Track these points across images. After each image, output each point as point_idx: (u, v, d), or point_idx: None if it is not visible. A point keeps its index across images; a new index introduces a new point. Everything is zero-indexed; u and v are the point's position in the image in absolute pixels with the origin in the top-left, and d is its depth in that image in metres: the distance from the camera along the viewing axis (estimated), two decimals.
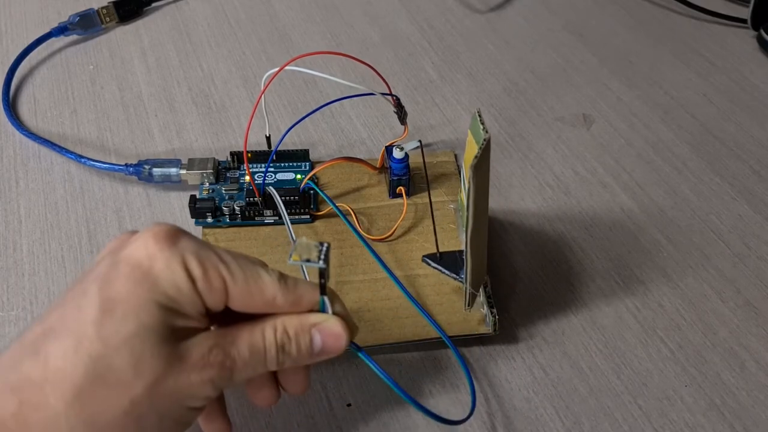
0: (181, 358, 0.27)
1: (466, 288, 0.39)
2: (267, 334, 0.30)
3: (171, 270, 0.28)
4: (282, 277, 0.30)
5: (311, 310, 0.31)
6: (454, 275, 0.41)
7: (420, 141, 0.46)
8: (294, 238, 0.42)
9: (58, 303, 0.28)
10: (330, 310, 0.31)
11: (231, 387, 0.31)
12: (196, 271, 0.28)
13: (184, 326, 0.28)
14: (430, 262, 0.42)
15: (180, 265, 0.28)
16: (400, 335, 0.39)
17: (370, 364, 0.32)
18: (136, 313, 0.27)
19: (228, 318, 0.30)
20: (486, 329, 0.39)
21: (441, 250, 0.42)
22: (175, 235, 0.29)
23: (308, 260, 0.28)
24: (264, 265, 0.31)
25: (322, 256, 0.29)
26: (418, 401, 0.32)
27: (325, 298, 0.30)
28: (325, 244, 0.29)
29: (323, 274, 0.29)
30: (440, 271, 0.41)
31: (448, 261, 0.41)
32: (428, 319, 0.39)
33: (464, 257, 0.38)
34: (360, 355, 0.33)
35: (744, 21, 0.62)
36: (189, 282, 0.28)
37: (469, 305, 0.39)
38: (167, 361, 0.27)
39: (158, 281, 0.27)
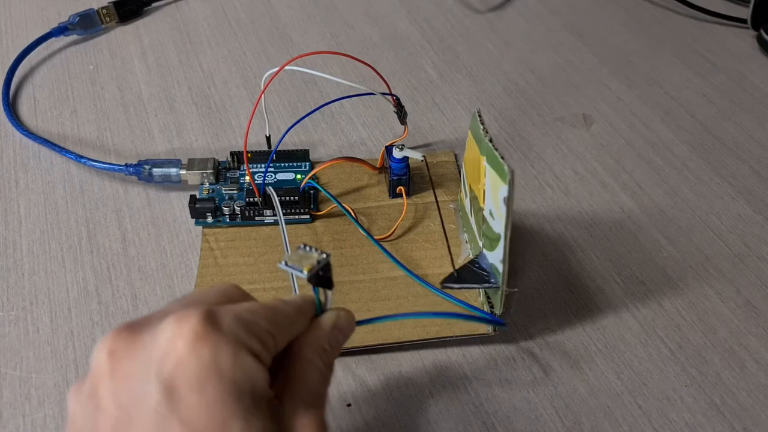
0: None
1: (502, 292, 0.38)
2: (318, 364, 0.28)
3: (241, 365, 0.24)
4: (287, 302, 0.29)
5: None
6: (486, 285, 0.39)
7: (424, 156, 0.46)
8: (287, 242, 0.42)
9: None
10: (330, 303, 0.31)
11: None
12: (257, 346, 0.25)
13: (273, 406, 0.26)
14: (453, 285, 0.39)
15: (245, 353, 0.24)
16: (400, 335, 0.39)
17: (388, 319, 0.33)
18: None
19: None
20: (486, 329, 0.39)
21: (442, 251, 0.42)
22: (214, 321, 0.24)
23: (319, 262, 0.29)
24: (246, 292, 0.30)
25: (321, 251, 0.29)
26: (452, 312, 0.34)
27: (329, 293, 0.30)
28: (304, 245, 0.29)
29: (329, 267, 0.29)
30: (468, 288, 0.39)
31: (468, 276, 0.39)
32: (454, 300, 0.40)
33: (501, 262, 0.37)
34: (372, 322, 0.33)
35: (744, 21, 0.62)
36: (257, 363, 0.25)
37: (504, 307, 0.39)
38: None
39: (238, 386, 0.24)
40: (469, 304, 0.39)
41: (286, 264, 0.28)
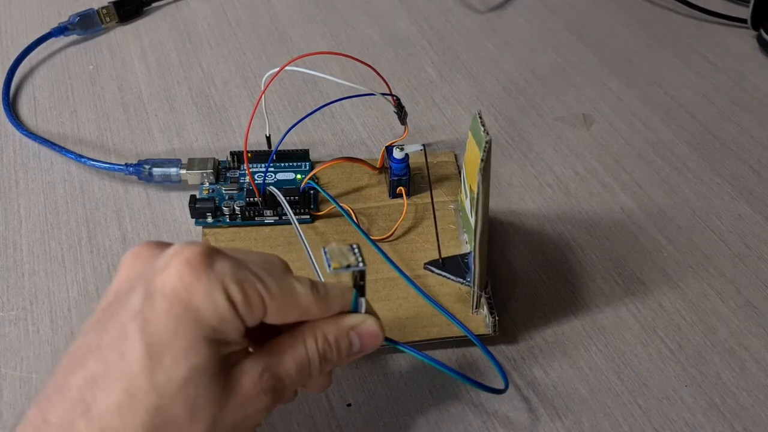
0: (234, 392, 0.27)
1: (474, 291, 0.39)
2: (309, 345, 0.29)
3: (212, 300, 0.26)
4: (313, 286, 0.29)
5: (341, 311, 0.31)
6: (460, 280, 0.40)
7: (423, 145, 0.46)
8: (302, 235, 0.42)
9: (91, 344, 0.27)
10: (363, 310, 0.31)
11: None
12: (237, 296, 0.27)
13: (229, 353, 0.28)
14: (433, 269, 0.40)
15: (221, 293, 0.26)
16: (399, 336, 0.39)
17: (412, 353, 0.33)
18: (185, 356, 0.26)
19: (257, 329, 0.29)
20: (486, 330, 0.39)
21: (443, 251, 0.42)
22: (209, 258, 0.27)
23: (349, 266, 0.29)
24: (287, 268, 0.30)
25: (360, 259, 0.29)
26: (463, 374, 0.34)
27: (362, 300, 0.31)
28: (356, 246, 0.29)
29: (363, 276, 0.30)
30: (445, 277, 0.40)
31: (452, 266, 0.40)
32: (445, 313, 0.39)
33: (472, 260, 0.37)
34: (399, 347, 0.33)
35: (744, 21, 0.62)
36: (231, 309, 0.27)
37: (477, 307, 0.39)
38: (222, 399, 0.27)
39: (200, 314, 0.26)
40: (462, 323, 0.39)
41: (325, 250, 0.29)
